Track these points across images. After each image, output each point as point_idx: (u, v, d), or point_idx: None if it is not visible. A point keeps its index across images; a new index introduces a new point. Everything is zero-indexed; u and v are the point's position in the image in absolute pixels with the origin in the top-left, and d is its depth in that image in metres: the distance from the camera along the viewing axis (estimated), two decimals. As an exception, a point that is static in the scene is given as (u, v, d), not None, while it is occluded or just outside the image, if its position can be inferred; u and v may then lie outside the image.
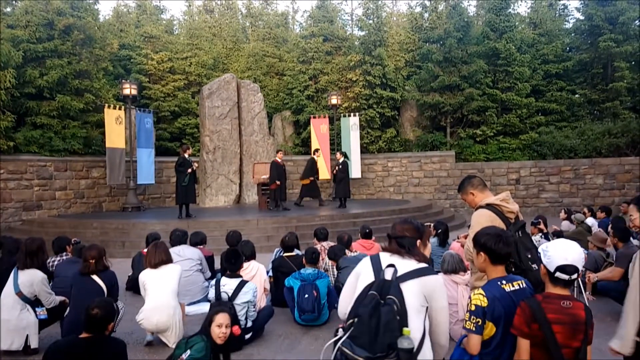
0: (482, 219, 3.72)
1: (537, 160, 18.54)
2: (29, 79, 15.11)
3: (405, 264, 2.62)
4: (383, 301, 2.42)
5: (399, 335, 2.36)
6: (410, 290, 2.52)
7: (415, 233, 2.79)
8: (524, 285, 2.99)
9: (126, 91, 15.96)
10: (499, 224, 3.68)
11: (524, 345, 2.64)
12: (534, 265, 3.58)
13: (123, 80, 16.52)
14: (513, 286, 2.92)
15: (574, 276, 2.69)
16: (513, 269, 3.58)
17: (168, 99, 20.64)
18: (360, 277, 2.69)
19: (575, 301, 2.71)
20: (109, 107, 16.12)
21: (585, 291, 6.34)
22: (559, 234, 8.38)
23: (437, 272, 2.78)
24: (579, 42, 21.23)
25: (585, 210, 11.15)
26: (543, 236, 7.89)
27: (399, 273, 2.56)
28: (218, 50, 23.92)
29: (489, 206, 3.79)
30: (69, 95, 15.94)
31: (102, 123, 16.40)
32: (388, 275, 2.54)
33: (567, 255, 2.69)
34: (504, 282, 2.90)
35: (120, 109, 16.33)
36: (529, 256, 3.62)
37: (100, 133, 16.88)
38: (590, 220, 10.16)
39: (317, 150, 15.91)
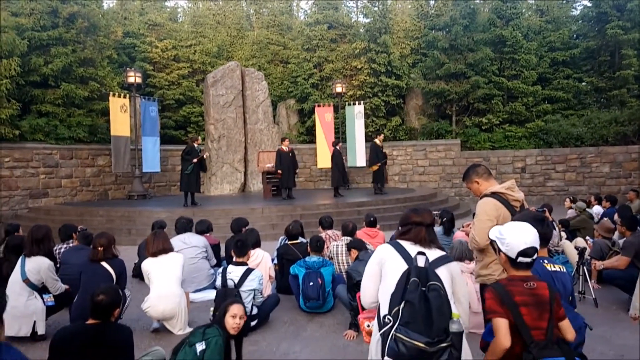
0: (487, 207, 3.71)
1: (543, 148, 18.44)
2: (34, 67, 15.10)
3: (431, 252, 2.69)
4: (425, 287, 2.45)
5: (449, 319, 2.41)
6: (444, 277, 2.58)
7: (433, 221, 2.85)
8: (565, 270, 3.13)
9: (131, 79, 15.94)
10: (504, 212, 3.67)
11: (503, 325, 2.60)
12: None
13: (127, 69, 16.50)
14: (554, 267, 3.07)
15: (535, 256, 2.73)
16: None
17: (173, 87, 20.62)
18: (387, 265, 2.69)
19: (538, 281, 2.73)
20: (113, 95, 16.12)
21: (590, 279, 6.33)
22: (565, 223, 8.36)
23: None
24: (587, 29, 21.00)
25: (592, 198, 11.12)
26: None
27: (430, 259, 2.62)
28: (222, 38, 23.82)
29: (494, 194, 3.76)
30: (74, 84, 15.94)
31: (107, 111, 16.41)
32: (421, 262, 2.57)
33: (526, 239, 2.72)
34: (546, 261, 3.08)
35: (125, 97, 16.32)
36: None
37: (105, 121, 16.90)
38: (596, 208, 10.14)
39: (380, 133, 15.83)
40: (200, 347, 3.27)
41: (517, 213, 3.69)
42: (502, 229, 2.84)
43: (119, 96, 16.22)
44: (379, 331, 2.50)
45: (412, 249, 2.69)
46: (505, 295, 2.64)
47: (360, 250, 5.60)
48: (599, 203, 10.66)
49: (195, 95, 20.87)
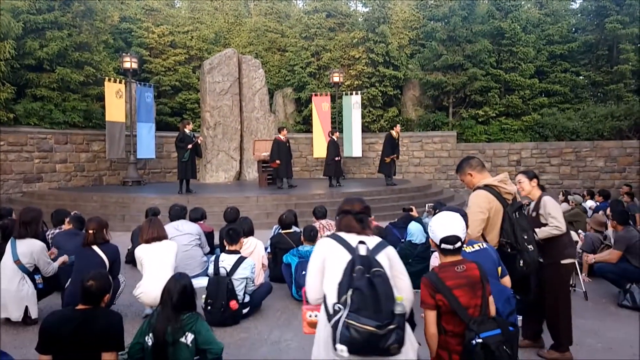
0: (479, 200, 3.74)
1: (538, 141, 18.48)
2: (29, 50, 14.95)
3: (370, 240, 2.78)
4: (369, 274, 2.55)
5: (395, 302, 2.52)
6: (384, 263, 2.69)
7: (367, 210, 2.97)
8: (485, 246, 3.35)
9: (127, 64, 15.83)
10: (496, 205, 3.72)
11: (430, 317, 2.91)
12: (530, 246, 3.62)
13: (123, 54, 16.37)
14: (474, 248, 3.31)
15: (458, 244, 2.93)
16: (509, 250, 3.62)
17: (169, 74, 20.47)
18: (330, 258, 2.75)
19: (468, 263, 2.95)
20: (109, 80, 16.00)
21: (581, 273, 6.38)
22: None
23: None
24: (585, 23, 20.97)
25: (585, 192, 11.17)
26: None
27: (370, 247, 2.72)
28: (219, 24, 23.63)
29: (486, 187, 3.80)
30: (69, 68, 15.79)
31: (102, 96, 16.30)
32: (362, 251, 2.67)
33: (447, 228, 2.93)
34: (465, 245, 3.21)
35: (120, 82, 16.21)
36: (525, 237, 3.64)
37: (100, 106, 16.78)
38: (589, 203, 10.19)
39: (396, 124, 15.65)
40: (189, 338, 3.25)
41: (509, 206, 3.71)
42: (433, 218, 3.07)
43: (115, 81, 16.10)
44: (329, 321, 2.56)
45: (351, 238, 2.78)
46: (438, 282, 2.86)
47: None
48: (592, 197, 10.71)
49: (191, 82, 20.74)
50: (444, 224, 2.97)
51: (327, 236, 2.87)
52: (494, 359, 2.71)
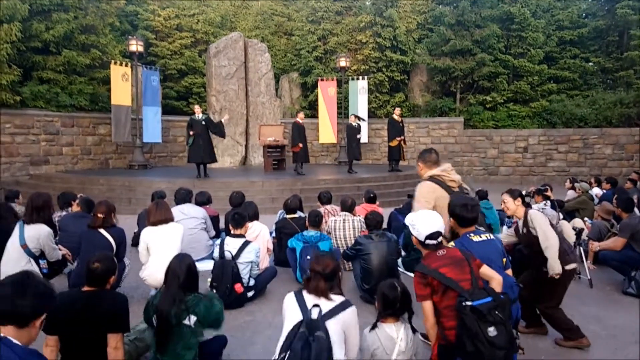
0: (424, 190, 4.12)
1: (546, 128, 18.34)
2: (35, 32, 14.91)
3: (327, 303, 2.99)
4: (312, 337, 2.79)
5: None
6: (333, 328, 2.90)
7: (338, 267, 3.17)
8: (492, 237, 3.55)
9: (132, 47, 15.74)
10: (441, 193, 4.06)
11: (428, 307, 3.12)
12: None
13: (129, 37, 16.29)
14: (481, 237, 3.49)
15: (440, 239, 3.25)
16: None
17: (175, 57, 20.39)
18: (286, 313, 3.03)
19: (448, 249, 3.25)
20: (115, 63, 15.96)
21: (586, 260, 6.36)
22: (560, 204, 8.36)
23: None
24: (596, 8, 20.69)
25: (592, 180, 11.10)
26: (549, 204, 7.84)
27: (324, 311, 2.94)
28: (226, 7, 23.46)
29: (431, 178, 4.17)
30: (75, 51, 15.77)
31: (108, 79, 16.27)
32: (314, 314, 2.91)
33: (431, 226, 3.22)
34: (472, 234, 3.51)
35: (126, 65, 16.16)
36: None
37: (106, 90, 16.76)
38: (595, 190, 10.12)
39: (396, 107, 15.44)
40: (192, 319, 3.29)
41: (454, 193, 4.04)
42: (413, 218, 3.33)
43: (121, 64, 16.06)
44: None
45: (310, 300, 3.01)
46: (424, 267, 3.12)
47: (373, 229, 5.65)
48: (599, 185, 10.65)
49: (197, 65, 20.67)
50: (428, 222, 3.24)
51: (293, 292, 3.13)
52: (487, 323, 2.84)
